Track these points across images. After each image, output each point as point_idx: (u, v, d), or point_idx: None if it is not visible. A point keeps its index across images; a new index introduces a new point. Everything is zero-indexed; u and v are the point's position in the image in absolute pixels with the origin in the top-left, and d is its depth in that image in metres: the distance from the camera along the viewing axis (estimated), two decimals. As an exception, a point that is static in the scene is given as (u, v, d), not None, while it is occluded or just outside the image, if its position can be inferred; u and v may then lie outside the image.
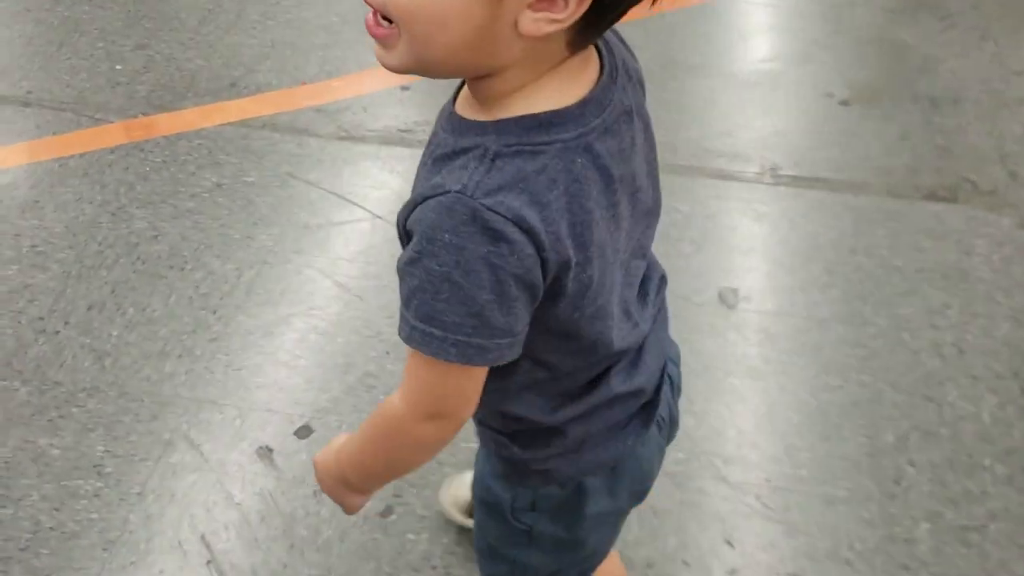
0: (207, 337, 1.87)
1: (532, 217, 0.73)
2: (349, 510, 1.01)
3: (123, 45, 2.63)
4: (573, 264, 0.78)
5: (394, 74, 0.78)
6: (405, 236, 0.79)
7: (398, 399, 0.86)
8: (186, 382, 1.80)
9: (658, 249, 0.99)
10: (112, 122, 2.38)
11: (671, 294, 1.06)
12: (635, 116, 0.83)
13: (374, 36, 0.75)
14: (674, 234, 2.04)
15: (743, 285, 1.96)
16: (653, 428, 1.02)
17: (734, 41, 2.70)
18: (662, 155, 0.92)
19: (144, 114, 2.40)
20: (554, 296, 0.80)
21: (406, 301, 0.78)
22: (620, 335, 0.91)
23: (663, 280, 1.01)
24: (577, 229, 0.77)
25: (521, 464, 0.98)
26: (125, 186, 2.20)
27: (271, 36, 2.67)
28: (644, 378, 0.97)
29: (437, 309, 0.76)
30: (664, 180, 0.93)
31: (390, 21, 0.73)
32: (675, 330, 1.09)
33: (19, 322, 1.91)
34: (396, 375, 1.77)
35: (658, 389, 1.01)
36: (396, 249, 0.82)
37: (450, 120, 0.81)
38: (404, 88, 2.47)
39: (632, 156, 0.83)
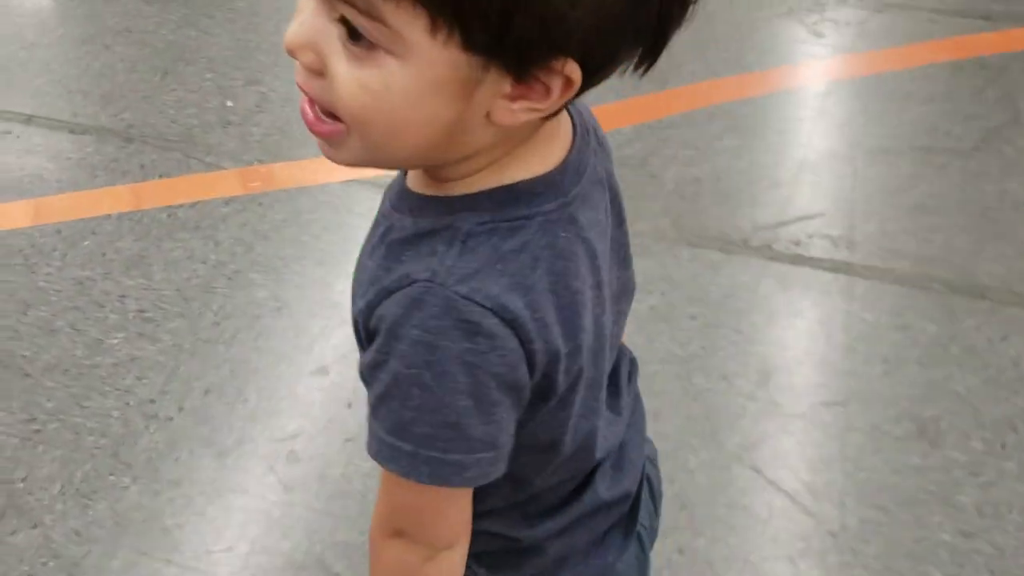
0: (342, 436, 1.64)
1: (515, 304, 0.63)
2: None
3: (234, 79, 2.41)
4: (563, 355, 0.67)
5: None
6: (365, 335, 0.68)
7: (372, 520, 0.76)
8: (321, 493, 1.56)
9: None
10: (225, 168, 2.16)
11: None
12: (601, 185, 0.73)
13: (317, 133, 0.64)
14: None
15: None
16: (634, 542, 0.90)
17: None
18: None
19: (260, 161, 2.17)
20: (543, 396, 0.69)
21: (374, 410, 0.68)
22: (604, 434, 0.81)
23: (634, 365, 0.91)
24: (565, 313, 0.67)
25: None
26: (243, 246, 1.97)
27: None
28: (630, 480, 0.87)
29: (407, 418, 0.65)
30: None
31: (334, 116, 0.62)
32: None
33: (127, 403, 1.68)
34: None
35: (639, 495, 0.90)
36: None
37: (404, 198, 0.70)
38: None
39: (605, 228, 0.73)
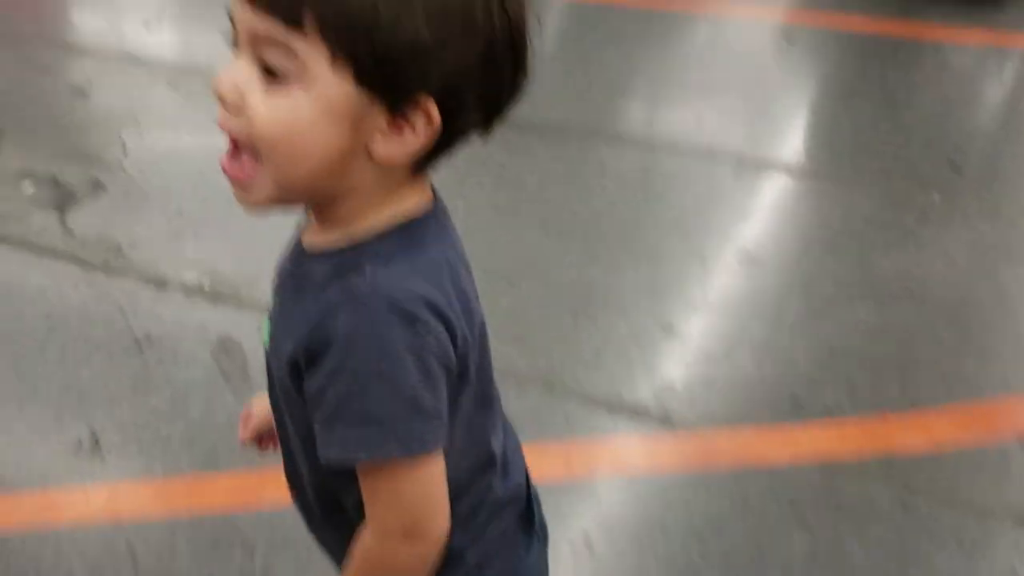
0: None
1: (437, 298, 0.78)
2: None
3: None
4: (470, 342, 0.83)
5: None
6: (306, 363, 0.80)
7: (365, 533, 0.85)
8: None
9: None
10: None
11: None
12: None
13: (234, 178, 0.78)
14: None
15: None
16: (536, 538, 1.03)
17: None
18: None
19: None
20: (462, 378, 0.84)
21: (331, 419, 0.79)
22: (496, 426, 0.96)
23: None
24: (465, 309, 0.82)
25: None
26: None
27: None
28: (517, 475, 1.00)
29: (370, 408, 0.77)
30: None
31: (250, 156, 0.77)
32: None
33: None
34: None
35: (529, 494, 1.03)
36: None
37: (306, 256, 0.85)
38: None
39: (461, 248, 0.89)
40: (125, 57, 3.88)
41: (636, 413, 2.10)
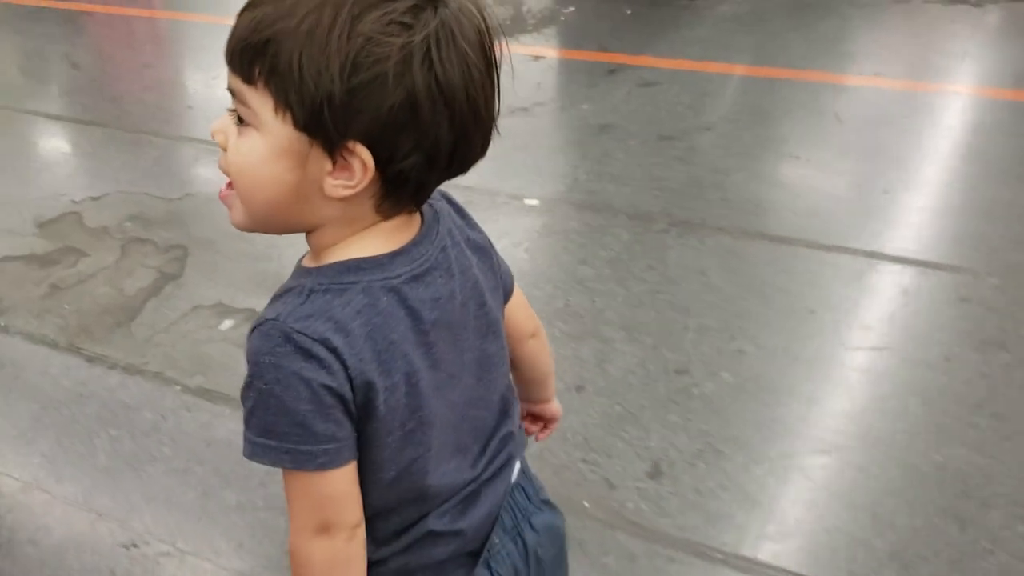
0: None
1: (337, 340, 0.86)
2: None
3: None
4: (379, 387, 0.90)
5: None
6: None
7: (289, 537, 0.94)
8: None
9: None
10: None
11: None
12: (456, 272, 0.97)
13: (222, 200, 0.93)
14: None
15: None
16: (484, 574, 1.07)
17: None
18: None
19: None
20: (368, 414, 0.91)
21: (246, 421, 0.90)
22: (442, 472, 1.00)
23: (509, 437, 1.09)
24: (382, 356, 0.90)
25: None
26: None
27: None
28: (467, 522, 1.04)
29: (269, 422, 0.88)
30: None
31: (231, 186, 0.91)
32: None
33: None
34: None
35: (486, 539, 1.07)
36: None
37: (296, 266, 0.96)
38: None
39: (450, 307, 0.96)
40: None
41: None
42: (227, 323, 2.73)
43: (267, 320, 0.87)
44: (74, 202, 3.47)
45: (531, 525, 1.11)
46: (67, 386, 2.53)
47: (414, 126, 0.83)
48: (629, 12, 4.88)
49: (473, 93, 0.85)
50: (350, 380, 0.88)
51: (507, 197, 3.29)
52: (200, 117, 4.11)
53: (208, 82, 4.57)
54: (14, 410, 2.46)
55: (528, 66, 4.46)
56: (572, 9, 5.00)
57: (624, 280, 2.80)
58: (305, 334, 0.86)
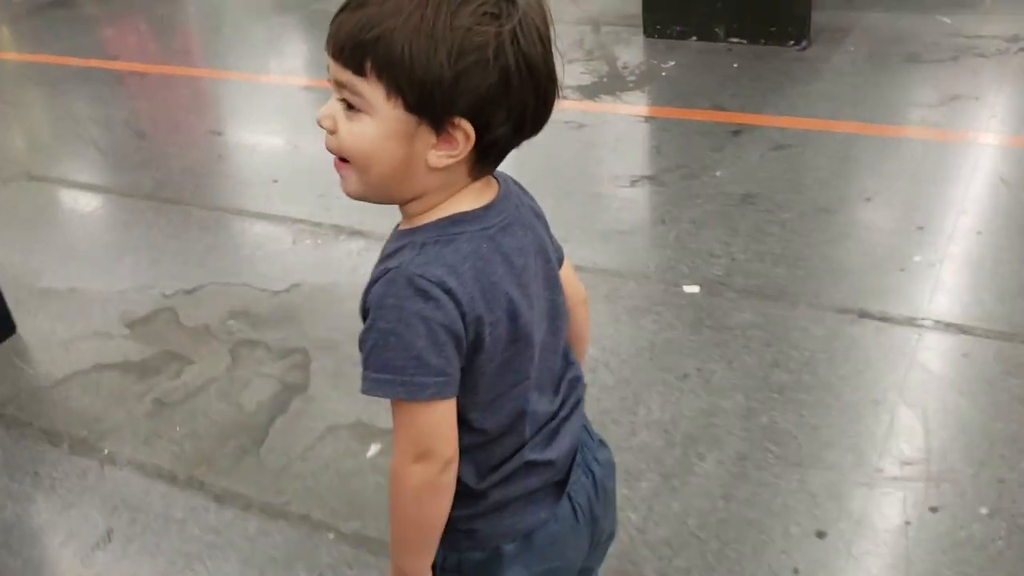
0: None
1: (451, 281, 1.00)
2: None
3: None
4: (486, 321, 1.03)
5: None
6: (362, 316, 1.04)
7: (392, 460, 1.08)
8: None
9: None
10: None
11: None
12: (527, 231, 1.12)
13: (338, 172, 1.06)
14: None
15: None
16: (566, 507, 1.20)
17: None
18: None
19: None
20: (477, 347, 1.05)
21: (364, 361, 1.03)
22: (536, 399, 1.14)
23: (576, 380, 1.24)
24: (487, 294, 1.03)
25: (451, 524, 1.13)
26: None
27: None
28: (555, 453, 1.17)
29: (387, 358, 1.01)
30: None
31: (346, 160, 1.04)
32: None
33: None
34: None
35: (569, 470, 1.20)
36: None
37: (394, 232, 1.10)
38: None
39: (528, 257, 1.11)
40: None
41: None
42: (373, 448, 2.33)
43: (390, 269, 1.00)
44: (165, 296, 3.08)
45: (597, 460, 1.26)
46: (196, 534, 2.13)
47: (506, 99, 0.98)
48: (736, 66, 4.51)
49: (550, 67, 1.01)
50: (463, 316, 1.01)
51: (660, 282, 2.90)
52: (289, 191, 3.73)
53: (290, 150, 4.20)
54: (140, 569, 2.05)
55: (637, 128, 4.09)
56: (672, 63, 4.62)
57: (832, 386, 2.40)
58: (425, 277, 0.99)
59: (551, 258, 1.16)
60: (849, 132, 3.79)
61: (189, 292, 3.09)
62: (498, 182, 1.11)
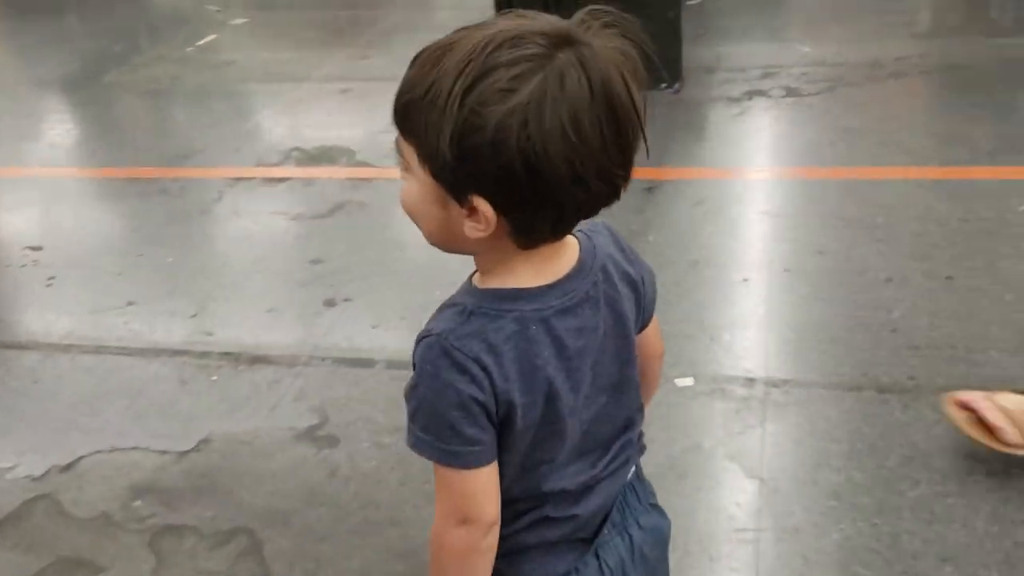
0: None
1: (488, 360, 1.00)
2: None
3: None
4: (518, 403, 1.02)
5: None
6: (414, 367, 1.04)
7: (433, 523, 1.08)
8: None
9: None
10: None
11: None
12: (603, 305, 1.07)
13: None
14: None
15: None
16: (593, 565, 1.18)
17: None
18: None
19: None
20: (507, 426, 1.04)
21: (411, 416, 1.04)
22: (563, 474, 1.13)
23: (629, 443, 1.20)
24: (525, 377, 1.02)
25: None
26: None
27: None
28: (581, 510, 1.15)
29: (427, 421, 1.02)
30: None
31: None
32: None
33: None
34: None
35: (598, 529, 1.18)
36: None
37: (465, 282, 1.08)
38: None
39: (593, 337, 1.07)
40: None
41: None
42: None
43: (432, 334, 1.01)
44: (34, 479, 2.40)
45: (638, 523, 1.22)
46: None
47: (530, 180, 0.92)
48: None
49: (575, 156, 0.92)
50: (495, 396, 1.01)
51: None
52: (152, 313, 3.08)
53: (139, 264, 3.51)
54: None
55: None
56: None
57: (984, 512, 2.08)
58: (462, 351, 0.99)
59: (629, 332, 1.12)
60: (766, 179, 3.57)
61: (65, 468, 2.43)
62: (581, 249, 1.07)
